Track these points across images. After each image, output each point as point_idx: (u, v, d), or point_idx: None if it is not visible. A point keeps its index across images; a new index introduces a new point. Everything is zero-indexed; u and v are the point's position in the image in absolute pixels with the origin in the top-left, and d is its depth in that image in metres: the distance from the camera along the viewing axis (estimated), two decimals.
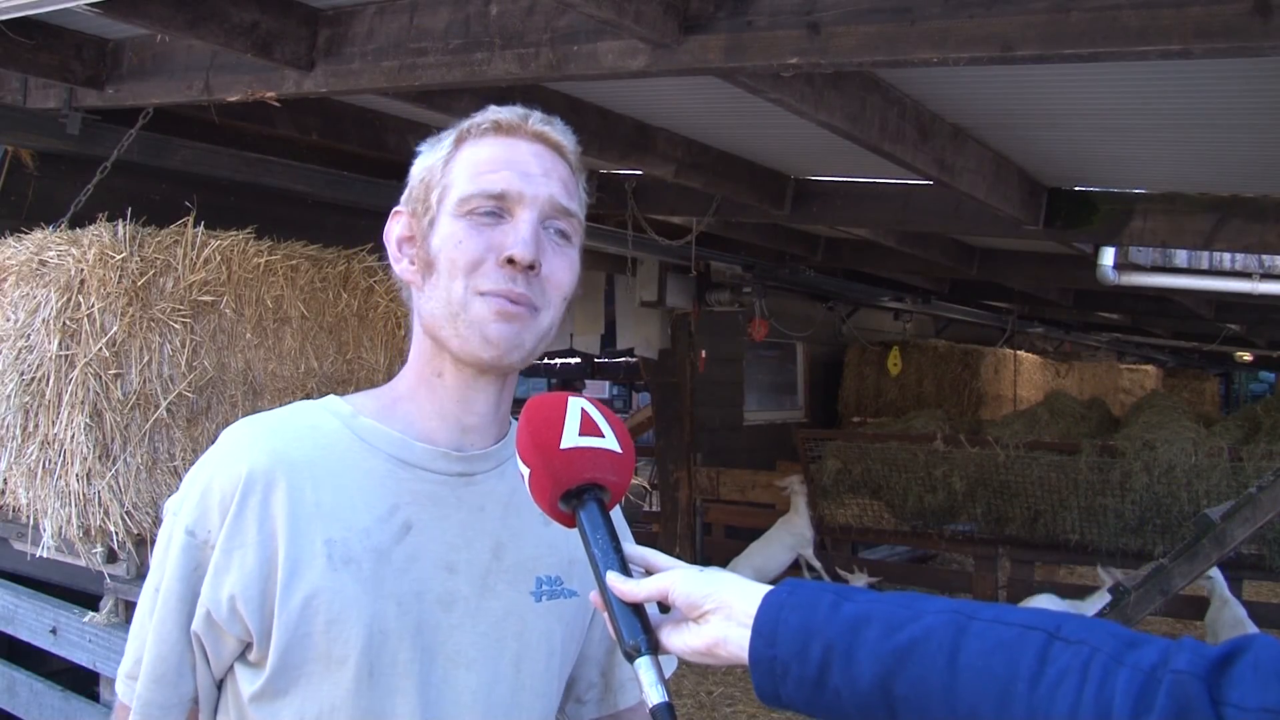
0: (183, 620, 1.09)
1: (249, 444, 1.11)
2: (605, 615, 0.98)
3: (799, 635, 0.90)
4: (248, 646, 1.09)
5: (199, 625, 1.09)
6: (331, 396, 1.19)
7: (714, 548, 7.59)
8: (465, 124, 1.17)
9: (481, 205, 1.11)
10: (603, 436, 1.03)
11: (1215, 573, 5.34)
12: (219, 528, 1.07)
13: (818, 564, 6.64)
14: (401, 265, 1.18)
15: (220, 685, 1.14)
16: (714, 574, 0.98)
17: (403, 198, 1.20)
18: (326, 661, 1.07)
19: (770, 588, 0.96)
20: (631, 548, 1.04)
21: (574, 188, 1.17)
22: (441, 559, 1.13)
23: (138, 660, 1.12)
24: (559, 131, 1.17)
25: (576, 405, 1.04)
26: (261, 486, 1.08)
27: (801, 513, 6.59)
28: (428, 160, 1.18)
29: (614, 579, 0.97)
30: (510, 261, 1.09)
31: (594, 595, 1.00)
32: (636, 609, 0.97)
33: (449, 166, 1.15)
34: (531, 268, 1.09)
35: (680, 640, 0.97)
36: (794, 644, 0.90)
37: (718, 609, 0.95)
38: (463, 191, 1.12)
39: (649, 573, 1.01)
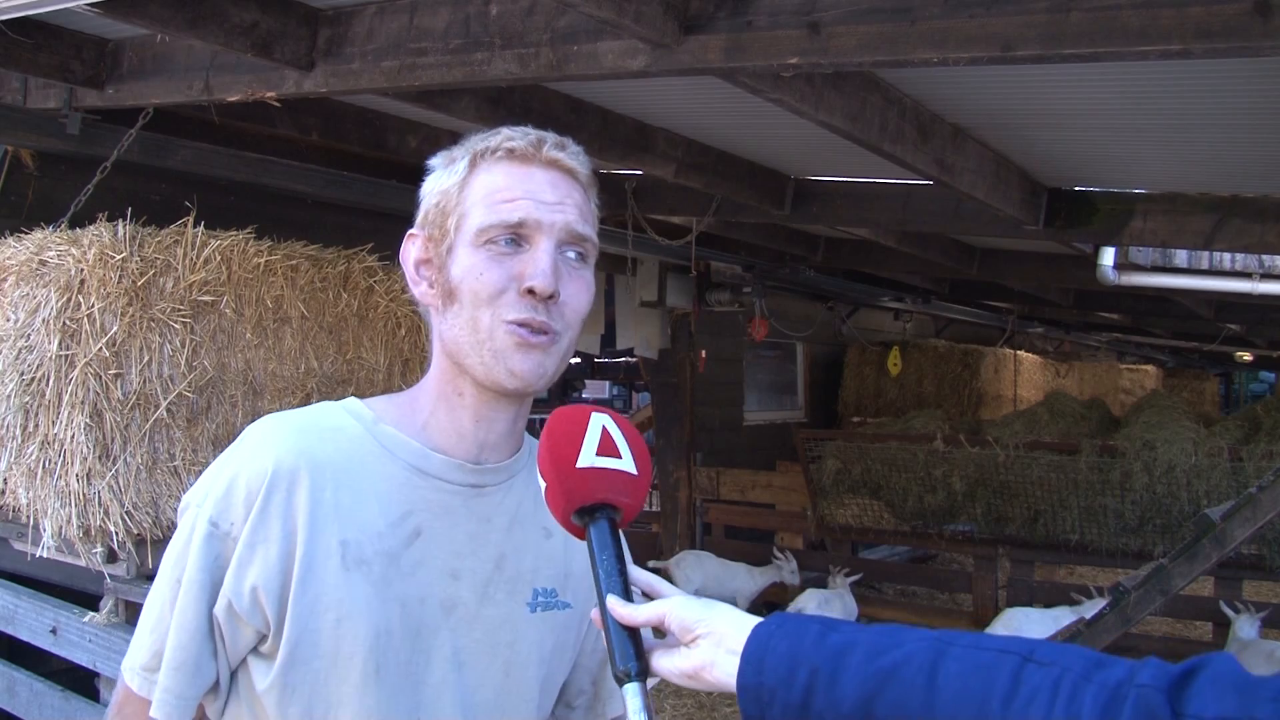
0: (204, 609, 1.11)
1: (276, 440, 1.13)
2: (603, 635, 1.01)
3: (786, 662, 0.95)
4: (262, 638, 1.12)
5: (220, 611, 1.11)
6: (352, 399, 1.22)
7: (714, 548, 7.59)
8: (479, 146, 1.17)
9: (500, 235, 1.13)
10: (620, 457, 1.06)
11: (1237, 620, 5.33)
12: (243, 521, 1.10)
13: None
14: (421, 289, 1.19)
15: (233, 676, 1.16)
16: (709, 603, 1.03)
17: (417, 220, 1.21)
18: (334, 659, 1.10)
19: (760, 619, 1.00)
20: (635, 572, 1.07)
21: (588, 211, 1.19)
22: (447, 565, 1.16)
23: (155, 652, 1.13)
24: (572, 157, 1.18)
25: (598, 423, 1.06)
26: (286, 483, 1.10)
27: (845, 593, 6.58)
28: (443, 183, 1.18)
29: (614, 602, 1.00)
30: (531, 292, 1.11)
31: (594, 614, 1.03)
32: (632, 633, 1.00)
33: (465, 193, 1.16)
34: (551, 298, 1.12)
35: (670, 662, 1.01)
36: (780, 670, 0.95)
37: (708, 634, 0.99)
38: (480, 222, 1.13)
39: (649, 597, 1.05)
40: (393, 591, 1.12)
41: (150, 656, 1.13)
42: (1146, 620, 4.50)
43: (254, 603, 1.09)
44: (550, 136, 1.18)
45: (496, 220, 1.13)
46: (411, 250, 1.20)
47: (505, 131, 1.18)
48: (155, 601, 1.14)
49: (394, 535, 1.14)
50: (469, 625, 1.17)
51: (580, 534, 1.05)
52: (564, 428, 1.06)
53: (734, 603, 6.07)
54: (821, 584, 6.72)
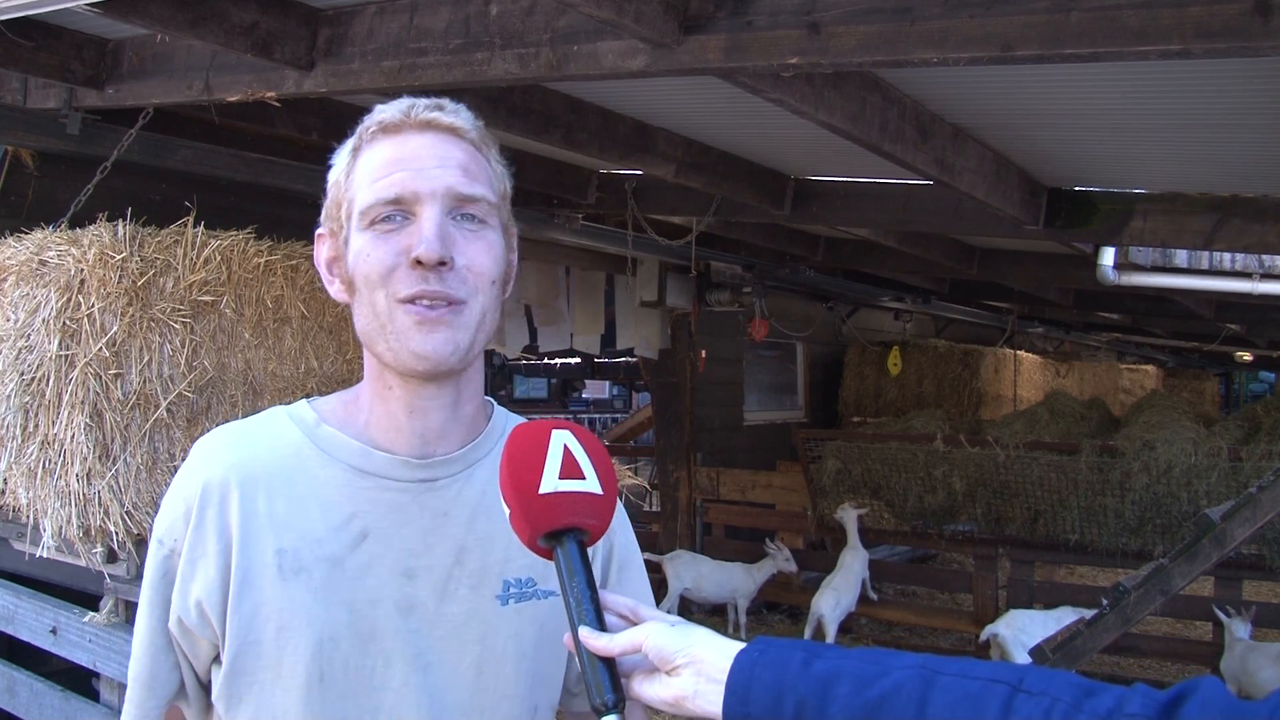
0: (157, 624, 1.14)
1: (208, 456, 1.14)
2: (578, 663, 1.00)
3: (772, 692, 0.93)
4: (218, 650, 1.13)
5: (173, 626, 1.13)
6: (302, 402, 1.20)
7: (714, 547, 7.59)
8: (358, 129, 1.15)
9: (381, 213, 1.09)
10: (584, 478, 1.03)
11: (1229, 622, 5.36)
12: (183, 537, 1.11)
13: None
14: (335, 287, 1.17)
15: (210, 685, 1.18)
16: (687, 628, 1.00)
17: (321, 218, 1.18)
18: (277, 669, 1.10)
19: (742, 645, 0.98)
20: (612, 597, 1.05)
21: (478, 168, 1.13)
22: (399, 565, 1.13)
23: (132, 653, 1.17)
24: (450, 114, 1.13)
25: (559, 442, 1.04)
26: (217, 497, 1.11)
27: (856, 540, 6.58)
28: (334, 174, 1.16)
29: (586, 634, 0.98)
30: (419, 263, 1.06)
31: (567, 638, 1.01)
32: (608, 662, 0.98)
33: (350, 179, 1.13)
34: (443, 263, 1.07)
35: (651, 690, 1.00)
36: (767, 701, 0.93)
37: (689, 663, 0.97)
38: (363, 204, 1.10)
39: (627, 620, 1.04)
40: (338, 597, 1.10)
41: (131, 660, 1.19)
42: (1146, 620, 4.50)
43: (201, 616, 1.11)
44: (423, 100, 1.13)
45: (374, 199, 1.09)
46: (322, 250, 1.18)
47: (378, 106, 1.14)
48: (137, 610, 1.19)
49: (336, 540, 1.11)
50: (430, 625, 1.14)
51: (548, 555, 1.03)
52: (523, 451, 1.03)
53: (735, 604, 6.07)
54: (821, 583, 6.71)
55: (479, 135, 1.15)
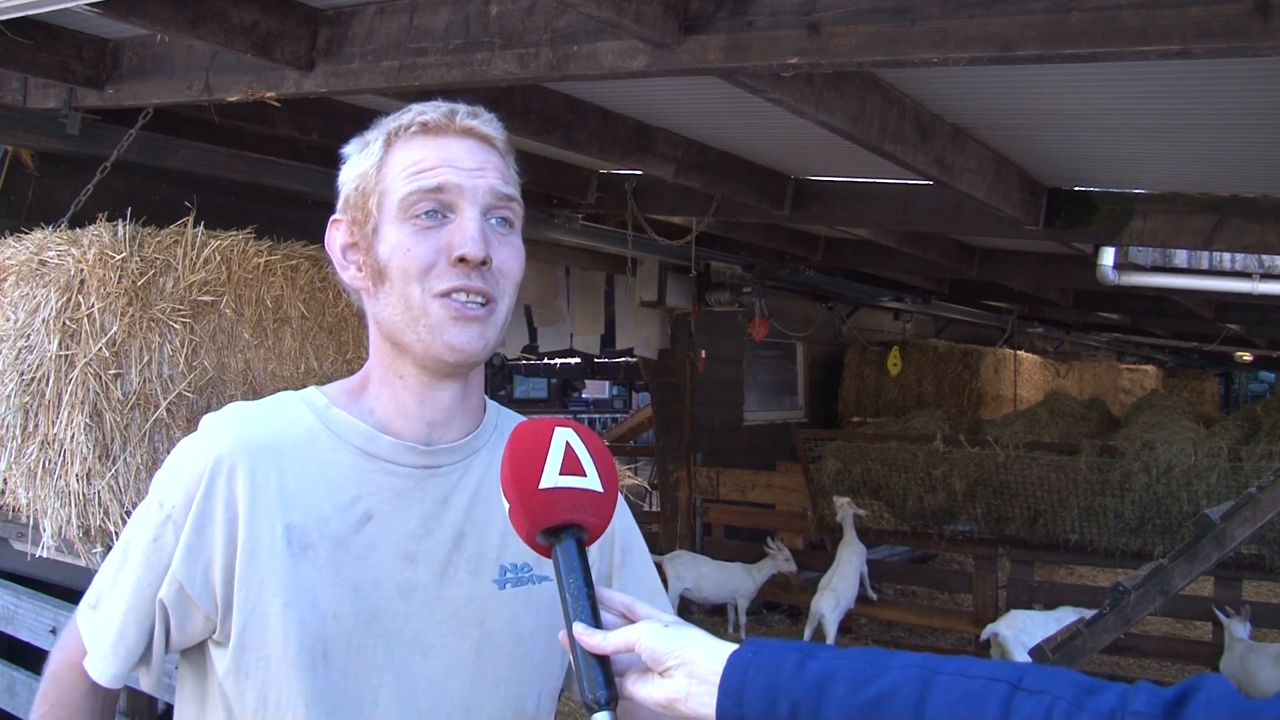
0: (140, 587, 1.14)
1: (221, 429, 1.16)
2: (570, 659, 1.00)
3: (766, 694, 0.92)
4: (214, 628, 1.13)
5: (168, 595, 1.12)
6: (312, 388, 1.23)
7: (714, 547, 7.59)
8: (392, 125, 1.18)
9: (422, 204, 1.12)
10: (584, 475, 1.04)
11: (1229, 623, 5.37)
12: (186, 507, 1.12)
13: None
14: (350, 273, 1.19)
15: (195, 663, 1.18)
16: (680, 630, 1.00)
17: (339, 205, 1.21)
18: (283, 644, 1.10)
19: (735, 647, 0.97)
20: (610, 594, 1.05)
21: (509, 175, 1.19)
22: (401, 548, 1.16)
23: (99, 593, 1.19)
24: (487, 124, 1.18)
25: (561, 439, 1.05)
26: (226, 470, 1.12)
27: (853, 535, 6.59)
28: (360, 165, 1.18)
29: (580, 630, 0.98)
30: (463, 260, 1.11)
31: (562, 635, 1.01)
32: (601, 660, 0.98)
33: (383, 171, 1.16)
34: (484, 263, 1.12)
35: (644, 691, 0.99)
36: (761, 703, 0.92)
37: (681, 665, 0.97)
38: (401, 194, 1.13)
39: (624, 618, 1.04)
40: (342, 576, 1.12)
41: (94, 596, 1.20)
42: (1146, 620, 4.50)
43: (206, 585, 1.11)
44: (462, 106, 1.18)
45: (416, 187, 1.12)
46: (336, 236, 1.20)
47: (416, 107, 1.18)
48: (112, 555, 1.19)
49: (341, 520, 1.14)
50: (430, 608, 1.16)
51: (546, 554, 1.03)
52: (525, 446, 1.04)
53: (735, 604, 6.07)
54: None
55: (505, 146, 1.20)
